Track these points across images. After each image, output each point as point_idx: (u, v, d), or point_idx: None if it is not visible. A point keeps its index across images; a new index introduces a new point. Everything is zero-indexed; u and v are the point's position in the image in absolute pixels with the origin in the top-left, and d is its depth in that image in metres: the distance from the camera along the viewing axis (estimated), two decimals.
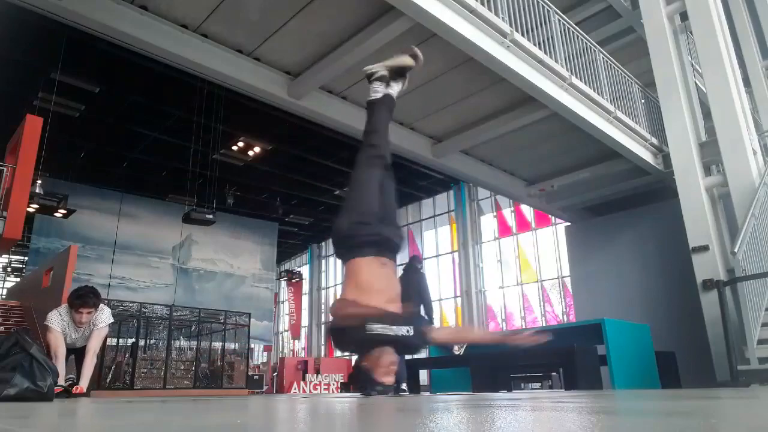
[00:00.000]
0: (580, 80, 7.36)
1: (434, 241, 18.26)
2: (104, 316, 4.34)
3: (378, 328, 2.22)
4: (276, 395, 11.74)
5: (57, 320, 4.17)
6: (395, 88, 2.80)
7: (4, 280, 24.31)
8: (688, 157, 7.47)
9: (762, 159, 7.74)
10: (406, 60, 2.77)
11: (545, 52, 6.77)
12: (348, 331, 2.30)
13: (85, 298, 4.14)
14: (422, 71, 7.01)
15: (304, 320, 22.58)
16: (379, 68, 2.78)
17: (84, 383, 4.21)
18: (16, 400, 3.10)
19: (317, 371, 14.59)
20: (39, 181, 11.34)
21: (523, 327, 14.50)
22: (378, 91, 2.77)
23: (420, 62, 2.77)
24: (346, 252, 2.45)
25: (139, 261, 16.15)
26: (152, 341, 11.77)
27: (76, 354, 4.43)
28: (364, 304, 2.29)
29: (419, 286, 6.37)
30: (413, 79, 7.68)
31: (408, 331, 2.28)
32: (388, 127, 2.79)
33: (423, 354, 9.13)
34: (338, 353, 15.80)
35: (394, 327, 2.25)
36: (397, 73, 2.79)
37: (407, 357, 6.74)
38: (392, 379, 2.31)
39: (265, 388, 15.01)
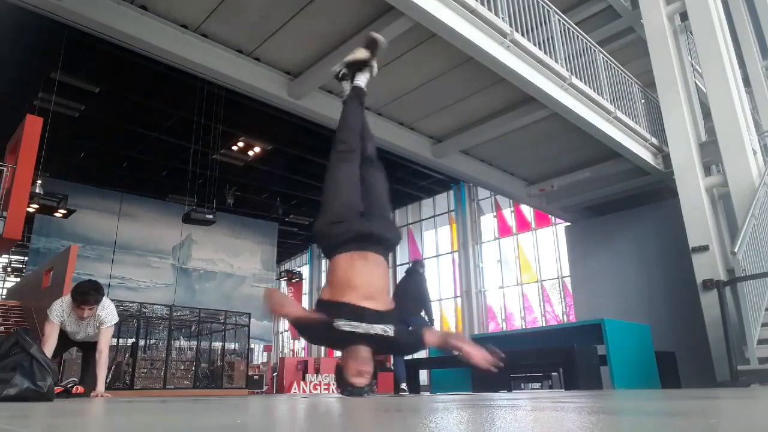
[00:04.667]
0: (580, 80, 7.36)
1: (434, 241, 18.26)
2: (111, 314, 4.30)
3: (344, 325, 2.13)
4: (276, 395, 11.74)
5: (57, 312, 4.12)
6: (362, 79, 2.75)
7: (4, 280, 24.30)
8: (688, 157, 7.47)
9: (762, 159, 7.74)
10: (358, 54, 2.76)
11: (545, 52, 6.77)
12: (312, 326, 2.24)
13: (86, 296, 4.08)
14: (421, 70, 7.04)
15: None
16: (339, 66, 2.78)
17: (101, 387, 4.21)
18: (16, 400, 3.09)
19: (317, 371, 14.57)
20: (39, 181, 11.34)
21: (523, 327, 14.51)
22: (346, 88, 2.77)
23: (381, 45, 2.74)
24: (326, 251, 2.41)
25: (139, 261, 16.14)
26: (152, 341, 11.77)
27: (83, 348, 4.43)
28: (336, 300, 2.21)
29: (419, 288, 6.38)
30: (413, 79, 7.71)
31: (386, 330, 2.16)
32: (359, 118, 2.71)
33: (423, 354, 9.09)
34: (338, 353, 15.77)
35: (365, 324, 2.14)
36: (356, 66, 2.76)
37: (406, 357, 6.74)
38: (363, 381, 2.19)
39: (265, 388, 14.99)
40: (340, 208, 2.44)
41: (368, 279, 2.29)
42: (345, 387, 2.22)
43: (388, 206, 2.62)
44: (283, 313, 2.31)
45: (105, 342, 4.29)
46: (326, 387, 14.07)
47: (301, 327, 2.29)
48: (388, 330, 2.17)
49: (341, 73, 2.78)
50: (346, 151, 2.56)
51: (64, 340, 4.28)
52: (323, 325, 2.17)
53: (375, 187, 2.56)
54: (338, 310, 2.18)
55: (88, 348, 4.48)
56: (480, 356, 2.20)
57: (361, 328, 2.14)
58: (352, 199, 2.46)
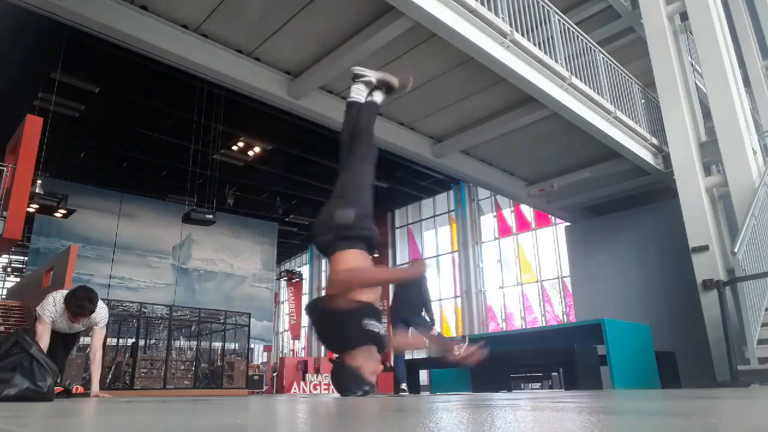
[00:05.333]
0: (580, 80, 7.36)
1: (434, 241, 18.26)
2: (104, 316, 4.30)
3: (372, 325, 2.18)
4: (276, 395, 11.74)
5: (50, 312, 4.08)
6: (378, 98, 2.80)
7: (4, 280, 24.30)
8: (688, 157, 7.47)
9: (762, 159, 7.74)
10: (395, 81, 2.82)
11: (545, 52, 6.78)
12: (343, 324, 2.22)
13: (82, 309, 4.05)
14: (421, 70, 7.06)
15: (304, 320, 22.56)
16: (370, 74, 2.80)
17: (95, 387, 4.26)
18: (16, 400, 3.10)
19: (317, 371, 14.58)
20: (39, 181, 11.33)
21: (523, 327, 14.51)
22: (362, 93, 2.77)
23: (405, 90, 2.86)
24: (340, 242, 2.34)
25: (139, 261, 16.14)
26: (152, 341, 11.76)
27: (63, 340, 4.43)
28: (359, 300, 2.23)
29: (420, 288, 6.39)
30: (413, 79, 7.68)
31: (385, 330, 2.27)
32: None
33: (423, 354, 9.10)
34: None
35: (380, 325, 2.24)
36: (384, 87, 2.82)
37: (406, 357, 6.74)
38: (375, 379, 2.28)
39: (265, 388, 14.99)
40: (370, 206, 2.50)
41: None
42: (360, 387, 2.22)
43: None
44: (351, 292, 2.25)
45: (98, 342, 4.29)
46: (326, 387, 14.07)
47: (332, 316, 2.23)
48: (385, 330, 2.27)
49: (366, 80, 2.80)
50: (374, 155, 2.65)
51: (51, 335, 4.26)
52: (349, 324, 2.19)
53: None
54: (364, 310, 2.22)
55: (64, 343, 4.46)
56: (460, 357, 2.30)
57: (380, 328, 2.22)
58: (371, 201, 2.54)
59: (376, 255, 2.52)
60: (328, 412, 1.93)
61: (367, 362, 2.21)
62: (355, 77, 2.80)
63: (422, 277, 6.57)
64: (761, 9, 11.27)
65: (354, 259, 2.31)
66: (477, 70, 6.74)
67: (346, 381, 2.23)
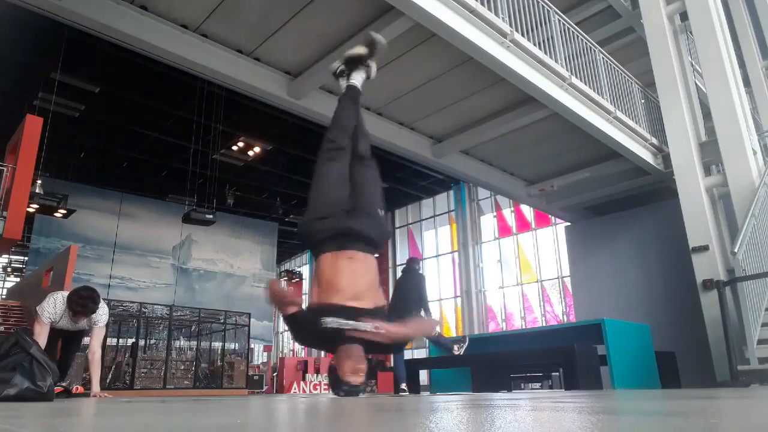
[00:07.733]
0: (580, 80, 7.35)
1: (434, 241, 18.25)
2: (104, 315, 4.30)
3: (331, 322, 2.09)
4: (276, 395, 11.74)
5: (50, 313, 4.07)
6: (358, 78, 2.74)
7: (4, 280, 24.30)
8: (688, 157, 7.47)
9: (762, 159, 7.74)
10: (357, 49, 2.73)
11: (545, 52, 6.77)
12: (301, 324, 2.24)
13: (85, 308, 4.06)
14: (421, 70, 7.04)
15: None
16: (337, 63, 2.75)
17: (96, 387, 4.27)
18: (16, 400, 3.10)
19: (317, 371, 14.58)
20: (39, 181, 11.32)
21: (523, 327, 14.51)
22: (342, 85, 2.74)
23: (379, 45, 2.72)
24: (312, 249, 2.38)
25: (139, 261, 16.14)
26: (152, 341, 11.76)
27: (65, 338, 4.44)
28: (323, 302, 2.19)
29: (419, 289, 6.39)
30: (413, 79, 7.70)
31: (377, 328, 2.12)
32: (352, 117, 2.71)
33: (423, 354, 9.10)
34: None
35: (352, 322, 2.10)
36: (354, 63, 2.74)
37: (406, 357, 6.75)
38: (360, 380, 2.17)
39: (265, 388, 15.00)
40: (324, 205, 2.43)
41: (353, 279, 2.27)
42: (340, 387, 2.20)
43: (377, 204, 2.55)
44: (285, 302, 2.27)
45: (97, 342, 4.29)
46: (326, 387, 14.07)
47: (293, 322, 2.27)
48: (380, 328, 2.12)
49: (339, 69, 2.78)
50: (334, 149, 2.57)
51: (52, 335, 4.24)
52: (311, 323, 2.15)
53: (363, 185, 2.55)
54: (325, 310, 2.17)
55: (70, 340, 4.46)
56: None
57: (350, 325, 2.10)
58: (337, 197, 2.45)
59: (376, 255, 2.46)
60: (327, 413, 1.93)
61: (344, 361, 2.15)
62: (335, 75, 2.77)
63: (421, 278, 6.57)
64: (761, 9, 11.26)
65: (321, 265, 2.29)
66: (477, 70, 6.74)
67: (332, 381, 2.27)
